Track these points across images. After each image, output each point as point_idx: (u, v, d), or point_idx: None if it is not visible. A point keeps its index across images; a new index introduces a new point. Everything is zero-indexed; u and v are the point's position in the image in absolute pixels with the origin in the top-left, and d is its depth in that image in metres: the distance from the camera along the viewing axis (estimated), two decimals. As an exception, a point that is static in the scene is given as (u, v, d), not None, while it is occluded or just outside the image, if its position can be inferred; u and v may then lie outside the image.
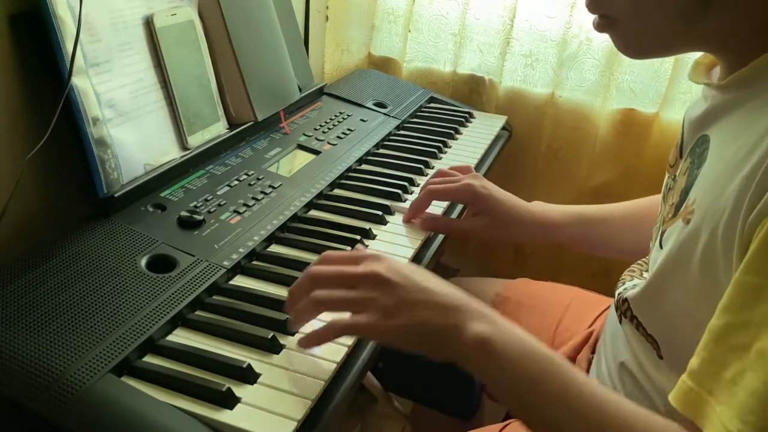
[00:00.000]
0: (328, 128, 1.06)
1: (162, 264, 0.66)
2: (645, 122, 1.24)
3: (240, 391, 0.53)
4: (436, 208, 0.87)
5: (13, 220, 0.67)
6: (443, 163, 1.04)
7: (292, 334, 0.60)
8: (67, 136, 0.68)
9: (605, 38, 0.58)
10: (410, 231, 0.82)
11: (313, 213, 0.84)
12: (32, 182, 0.70)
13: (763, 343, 0.40)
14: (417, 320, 0.52)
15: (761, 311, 0.41)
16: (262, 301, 0.64)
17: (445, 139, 1.11)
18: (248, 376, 0.55)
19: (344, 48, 1.39)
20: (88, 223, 0.69)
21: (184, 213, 0.73)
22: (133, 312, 0.58)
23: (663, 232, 0.56)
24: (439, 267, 1.12)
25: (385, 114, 1.17)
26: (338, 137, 1.03)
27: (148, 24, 0.79)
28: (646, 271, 0.64)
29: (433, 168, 1.00)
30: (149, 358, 0.56)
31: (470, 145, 1.13)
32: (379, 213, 0.83)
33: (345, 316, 0.55)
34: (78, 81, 0.68)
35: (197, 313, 0.63)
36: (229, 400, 0.52)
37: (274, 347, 0.59)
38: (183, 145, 0.83)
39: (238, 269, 0.70)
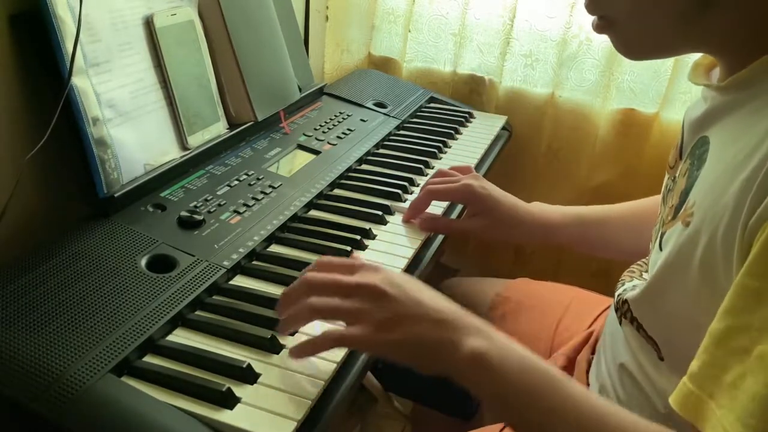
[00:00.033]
0: (328, 128, 1.06)
1: (162, 264, 0.66)
2: (645, 122, 1.24)
3: (240, 391, 0.53)
4: (436, 208, 0.87)
5: (13, 220, 0.67)
6: (443, 163, 1.04)
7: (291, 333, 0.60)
8: (67, 136, 0.68)
9: (605, 38, 0.58)
10: (410, 231, 0.82)
11: (313, 213, 0.84)
12: (32, 182, 0.70)
13: (765, 346, 0.40)
14: (412, 335, 0.52)
15: (762, 315, 0.40)
16: (262, 301, 0.64)
17: (445, 139, 1.11)
18: (248, 376, 0.55)
19: (344, 48, 1.39)
20: (88, 223, 0.69)
21: (184, 213, 0.73)
22: (133, 312, 0.58)
23: (662, 234, 0.56)
24: (439, 267, 1.12)
25: (385, 114, 1.17)
26: (338, 137, 1.03)
27: (148, 24, 0.79)
28: (646, 271, 0.64)
29: (433, 168, 1.00)
30: (149, 358, 0.56)
31: (470, 145, 1.13)
32: (379, 213, 0.83)
33: (336, 323, 0.55)
34: (78, 81, 0.68)
35: (197, 313, 0.63)
36: (229, 400, 0.52)
37: (274, 347, 0.59)
38: (183, 145, 0.83)
39: (238, 269, 0.70)
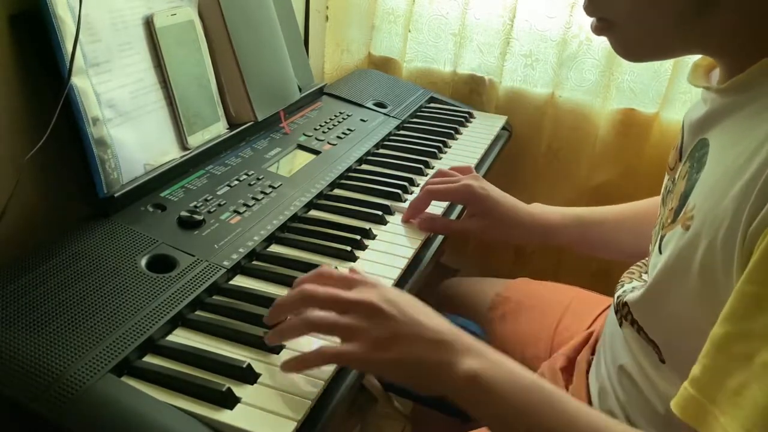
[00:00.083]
0: (328, 128, 1.06)
1: (162, 264, 0.66)
2: (645, 122, 1.24)
3: (240, 391, 0.53)
4: (436, 208, 0.87)
5: (13, 220, 0.67)
6: (443, 163, 1.04)
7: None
8: (67, 136, 0.68)
9: (605, 38, 0.58)
10: (410, 231, 0.82)
11: (313, 213, 0.84)
12: (32, 182, 0.70)
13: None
14: (407, 356, 0.52)
15: (763, 321, 0.40)
16: (262, 301, 0.64)
17: (445, 139, 1.11)
18: (248, 376, 0.55)
19: (344, 48, 1.39)
20: (88, 223, 0.69)
21: (184, 213, 0.73)
22: (133, 312, 0.58)
23: (662, 237, 0.56)
24: (439, 267, 1.12)
25: (385, 114, 1.17)
26: (338, 137, 1.03)
27: (148, 24, 0.79)
28: (646, 272, 0.64)
29: (433, 168, 1.00)
30: (149, 358, 0.56)
31: (470, 145, 1.13)
32: (379, 213, 0.83)
33: (330, 338, 0.55)
34: (78, 81, 0.68)
35: (197, 313, 0.63)
36: (229, 400, 0.52)
37: (274, 347, 0.59)
38: (183, 145, 0.83)
39: (238, 269, 0.70)
